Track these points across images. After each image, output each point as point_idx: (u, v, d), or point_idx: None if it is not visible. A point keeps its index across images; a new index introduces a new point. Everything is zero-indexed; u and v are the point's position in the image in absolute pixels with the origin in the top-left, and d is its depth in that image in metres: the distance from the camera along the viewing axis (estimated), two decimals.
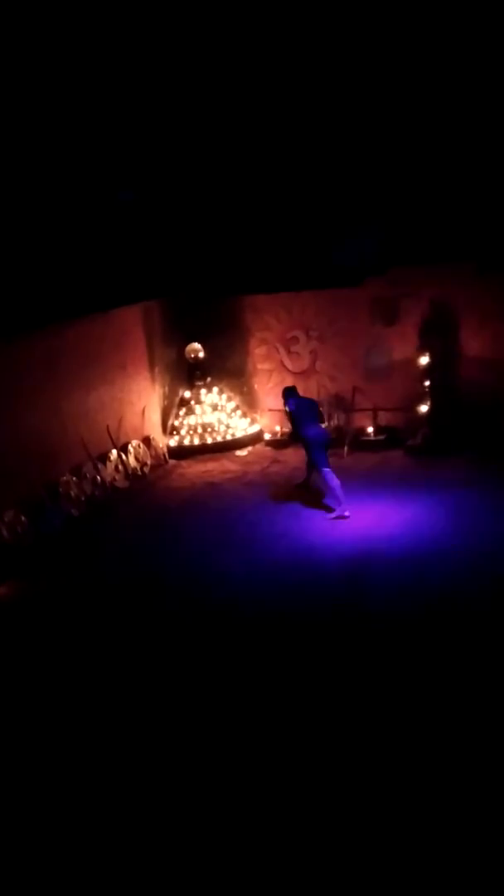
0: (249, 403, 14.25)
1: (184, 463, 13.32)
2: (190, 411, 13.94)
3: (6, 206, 11.79)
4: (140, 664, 7.13)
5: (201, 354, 13.96)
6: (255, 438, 13.91)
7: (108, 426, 12.05)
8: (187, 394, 14.05)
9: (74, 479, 11.07)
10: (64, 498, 10.73)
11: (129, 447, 12.52)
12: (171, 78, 13.80)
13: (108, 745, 6.03)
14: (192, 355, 13.96)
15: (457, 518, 9.62)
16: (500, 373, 12.25)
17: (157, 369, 13.61)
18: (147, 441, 13.08)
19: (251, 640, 7.29)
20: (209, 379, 14.08)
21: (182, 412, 14.00)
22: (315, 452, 10.18)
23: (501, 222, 12.61)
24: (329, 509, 10.14)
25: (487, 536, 9.01)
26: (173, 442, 13.75)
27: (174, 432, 13.87)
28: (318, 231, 13.85)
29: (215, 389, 14.11)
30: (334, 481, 9.95)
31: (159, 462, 13.22)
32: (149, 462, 12.89)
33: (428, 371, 12.57)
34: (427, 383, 12.56)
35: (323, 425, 10.58)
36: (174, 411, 14.02)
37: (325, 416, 11.38)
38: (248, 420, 14.11)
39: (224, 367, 14.17)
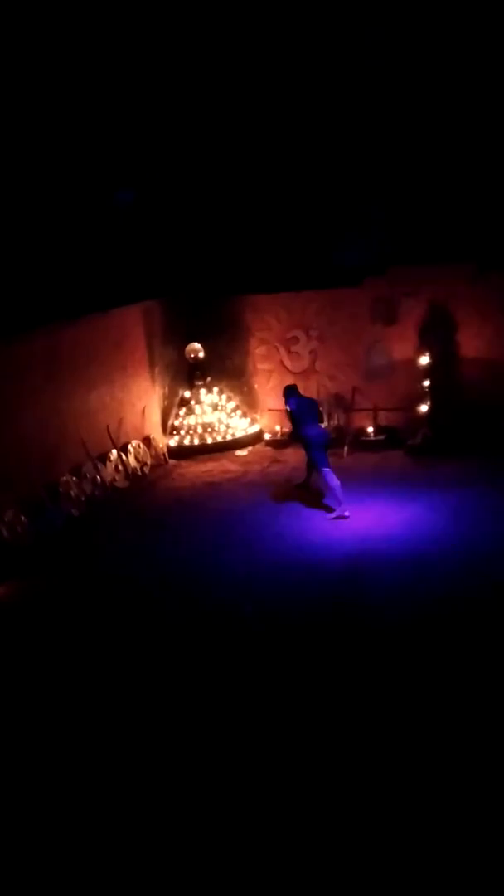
0: (249, 403, 14.24)
1: (184, 463, 13.32)
2: (190, 411, 13.94)
3: (6, 207, 11.80)
4: (140, 664, 7.13)
5: (201, 354, 13.96)
6: (255, 438, 13.91)
7: (108, 426, 12.05)
8: (187, 394, 14.05)
9: (74, 479, 11.07)
10: (64, 498, 10.73)
11: (129, 447, 12.51)
12: (170, 78, 13.80)
13: (108, 744, 6.03)
14: (192, 355, 13.96)
15: (457, 518, 9.62)
16: (499, 373, 12.25)
17: (157, 369, 13.61)
18: (147, 441, 13.08)
19: (251, 640, 7.29)
20: (209, 379, 14.08)
21: (182, 412, 14.00)
22: (315, 452, 10.18)
23: (501, 222, 12.62)
24: (329, 509, 10.14)
25: (487, 536, 9.01)
26: (173, 442, 13.75)
27: (174, 432, 13.87)
28: (319, 231, 13.85)
29: (215, 389, 14.10)
30: (334, 481, 9.95)
31: (159, 462, 13.22)
32: (149, 462, 12.89)
33: (428, 371, 12.57)
34: (427, 383, 12.56)
35: (323, 425, 10.57)
36: (174, 411, 14.01)
37: (325, 416, 11.37)
38: (248, 420, 14.11)
39: (224, 367, 14.17)
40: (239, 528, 10.14)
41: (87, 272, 12.49)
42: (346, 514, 9.90)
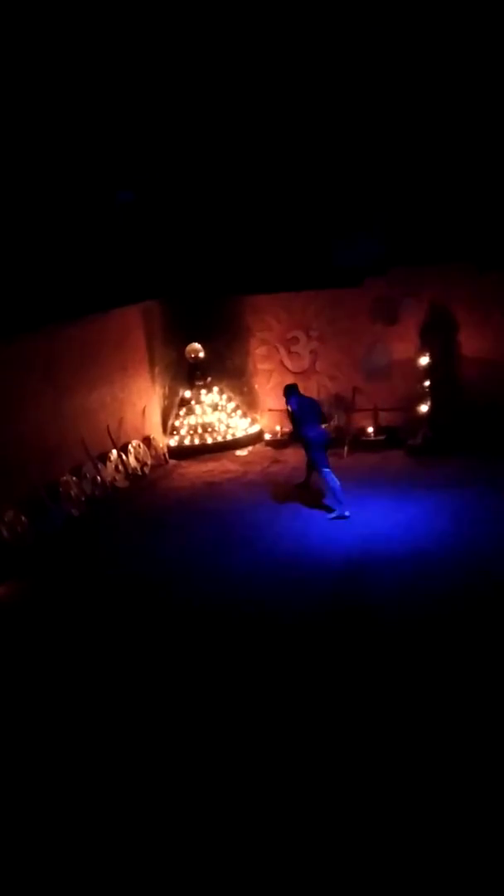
0: (249, 403, 14.24)
1: (184, 463, 13.32)
2: (190, 411, 13.94)
3: (6, 207, 11.80)
4: (140, 664, 7.13)
5: (201, 354, 13.96)
6: (256, 438, 13.91)
7: (108, 426, 12.05)
8: (187, 394, 14.05)
9: (74, 479, 11.07)
10: (64, 498, 10.73)
11: (130, 447, 12.52)
12: (170, 79, 13.80)
13: (108, 744, 6.03)
14: (193, 355, 13.96)
15: (457, 518, 9.62)
16: (499, 373, 12.25)
17: (157, 369, 13.61)
18: (147, 441, 13.08)
19: (251, 640, 7.29)
20: (209, 379, 14.08)
21: (182, 412, 14.00)
22: (315, 453, 10.17)
23: (501, 222, 12.61)
24: (329, 509, 10.14)
25: (487, 536, 9.01)
26: (173, 442, 13.75)
27: (174, 432, 13.88)
28: (319, 231, 13.85)
29: (215, 389, 14.11)
30: (334, 482, 9.95)
31: (159, 462, 13.22)
32: (149, 462, 12.89)
33: (428, 371, 12.57)
34: (427, 383, 12.56)
35: (324, 426, 10.57)
36: (174, 411, 14.02)
37: (326, 417, 11.36)
38: (249, 420, 14.11)
39: (224, 368, 14.17)
40: (239, 527, 10.14)
41: (87, 272, 12.49)
42: (347, 514, 9.90)
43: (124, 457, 12.27)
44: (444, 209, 13.01)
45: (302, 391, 10.96)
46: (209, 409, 13.93)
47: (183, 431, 13.82)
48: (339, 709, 6.12)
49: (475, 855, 4.61)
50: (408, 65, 13.30)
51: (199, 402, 13.98)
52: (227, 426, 13.85)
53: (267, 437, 13.86)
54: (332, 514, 9.99)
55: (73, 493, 10.91)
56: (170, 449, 13.62)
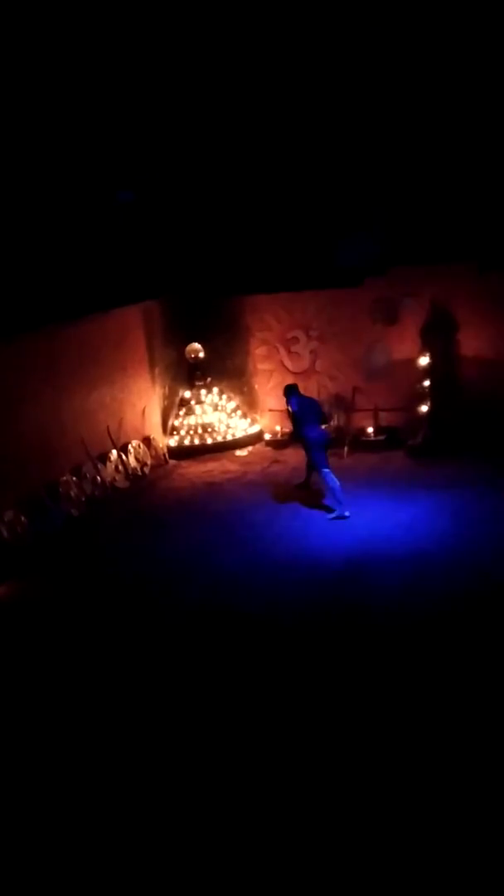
0: (249, 404, 14.24)
1: (184, 463, 13.32)
2: (190, 411, 13.94)
3: (6, 207, 11.79)
4: (140, 664, 7.13)
5: (201, 355, 13.96)
6: (255, 438, 13.91)
7: (108, 426, 12.04)
8: (187, 394, 14.05)
9: (74, 479, 11.06)
10: (64, 498, 10.73)
11: (130, 447, 12.51)
12: (170, 78, 13.79)
13: (108, 744, 6.03)
14: (193, 355, 13.96)
15: (457, 518, 9.61)
16: (499, 373, 12.24)
17: (157, 369, 13.61)
18: (147, 441, 13.08)
19: (251, 641, 7.28)
20: (209, 379, 14.08)
21: (182, 412, 13.99)
22: (315, 453, 10.17)
23: (501, 222, 12.61)
24: (329, 510, 10.14)
25: (487, 536, 9.00)
26: (173, 442, 13.75)
27: (174, 432, 13.87)
28: (319, 231, 13.85)
29: (215, 390, 14.11)
30: (334, 482, 9.95)
31: (159, 462, 13.22)
32: (149, 462, 12.88)
33: (428, 371, 12.56)
34: (427, 383, 12.55)
35: (324, 426, 10.57)
36: (174, 411, 14.01)
37: (326, 417, 11.36)
38: (249, 420, 14.10)
39: (224, 368, 14.17)
40: (239, 527, 10.14)
41: (88, 272, 12.48)
42: (346, 514, 9.90)
43: (124, 457, 12.26)
44: (445, 209, 13.00)
45: (302, 391, 10.96)
46: (209, 410, 13.93)
47: (183, 432, 13.82)
48: (339, 709, 6.12)
49: (475, 855, 4.61)
50: (408, 65, 13.29)
51: (199, 402, 13.98)
52: (227, 426, 13.85)
53: (267, 437, 13.86)
54: (332, 515, 9.99)
55: (72, 493, 10.91)
56: (170, 449, 13.62)
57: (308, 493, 10.89)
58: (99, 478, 11.53)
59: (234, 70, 13.77)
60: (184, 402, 14.05)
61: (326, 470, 10.02)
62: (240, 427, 13.92)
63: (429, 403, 12.51)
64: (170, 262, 14.05)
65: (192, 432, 13.76)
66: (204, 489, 11.95)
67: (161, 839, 5.01)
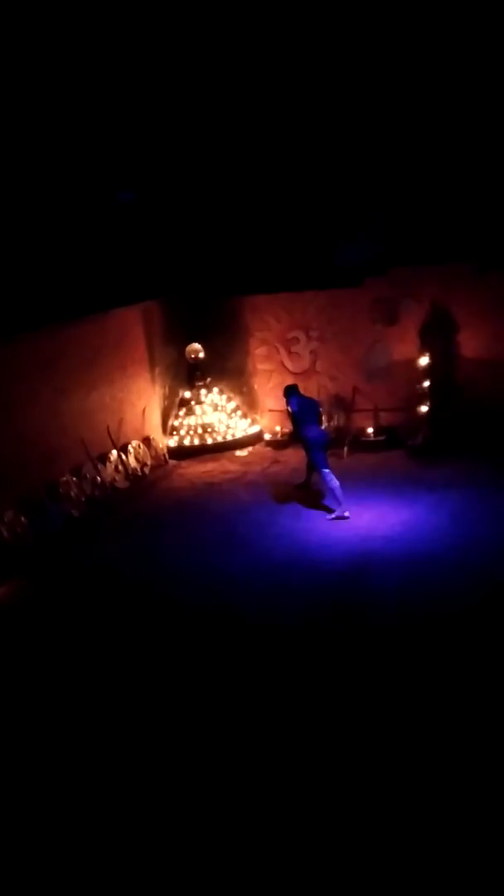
0: (249, 404, 14.24)
1: (184, 463, 13.32)
2: (190, 412, 13.93)
3: (6, 207, 11.79)
4: (140, 665, 7.13)
5: (201, 355, 13.96)
6: (255, 439, 13.91)
7: (108, 426, 12.04)
8: (187, 394, 14.05)
9: (74, 479, 11.06)
10: (64, 498, 10.72)
11: (130, 447, 12.51)
12: (170, 78, 13.80)
13: (108, 745, 6.02)
14: (193, 356, 13.96)
15: (457, 518, 9.61)
16: (499, 373, 12.24)
17: (157, 370, 13.60)
18: (147, 441, 13.07)
19: (251, 641, 7.28)
20: (209, 379, 14.08)
21: (182, 412, 13.99)
22: (314, 453, 10.17)
23: (501, 222, 12.62)
24: (329, 510, 10.14)
25: (488, 536, 9.00)
26: (173, 442, 13.74)
27: (174, 432, 13.87)
28: (319, 231, 13.85)
29: (215, 390, 14.10)
30: (334, 482, 9.94)
31: (159, 462, 13.22)
32: (149, 462, 12.88)
33: (428, 371, 12.57)
34: (427, 383, 12.55)
35: (323, 426, 10.57)
36: (174, 412, 14.01)
37: (326, 417, 11.37)
38: (249, 420, 14.10)
39: (224, 368, 14.17)
40: (239, 528, 10.13)
41: (88, 272, 12.48)
42: (347, 514, 9.89)
43: (124, 457, 12.26)
44: (445, 209, 13.01)
45: (302, 391, 10.96)
46: (209, 410, 13.92)
47: (183, 432, 13.82)
48: (339, 709, 6.12)
49: (475, 855, 4.61)
50: (408, 65, 13.29)
51: (199, 402, 13.98)
52: (227, 426, 13.85)
53: (267, 437, 13.86)
54: (332, 515, 9.99)
55: (72, 493, 10.90)
56: (170, 449, 13.62)
57: (308, 493, 10.89)
58: (99, 478, 11.53)
59: (234, 71, 13.78)
60: (184, 403, 14.05)
61: (326, 470, 10.02)
62: (240, 427, 13.92)
63: (429, 403, 12.51)
64: (170, 262, 14.06)
65: (192, 432, 13.76)
66: (204, 489, 11.94)
67: (161, 839, 5.01)
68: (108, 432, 12.05)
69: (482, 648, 6.73)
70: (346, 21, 13.29)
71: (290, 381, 12.30)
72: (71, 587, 8.98)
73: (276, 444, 13.58)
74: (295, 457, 12.11)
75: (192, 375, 14.04)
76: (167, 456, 13.50)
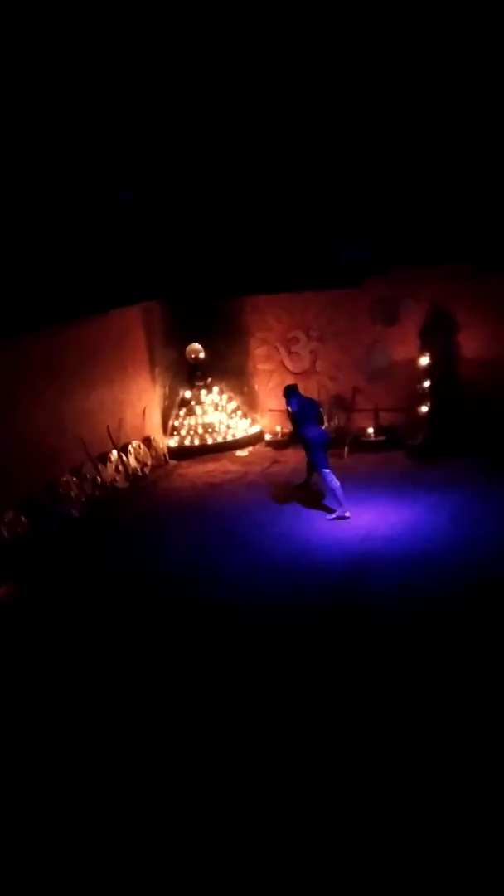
0: (250, 404, 14.24)
1: (184, 463, 13.31)
2: (190, 412, 13.93)
3: (7, 207, 11.80)
4: (140, 665, 7.12)
5: (202, 355, 13.96)
6: (256, 439, 13.90)
7: (108, 426, 12.04)
8: (188, 394, 14.05)
9: (75, 479, 11.06)
10: (64, 498, 10.72)
11: (130, 448, 12.51)
12: (171, 78, 13.80)
13: (107, 745, 6.02)
14: (193, 356, 13.96)
15: (457, 518, 9.61)
16: (499, 373, 12.24)
17: (157, 370, 13.61)
18: (147, 441, 13.07)
19: (251, 641, 7.28)
20: (209, 379, 14.08)
21: (182, 413, 13.99)
22: (315, 453, 10.17)
23: (501, 222, 12.62)
24: (329, 510, 10.13)
25: (487, 536, 9.00)
26: (174, 442, 13.74)
27: (174, 433, 13.87)
28: (319, 231, 13.85)
29: (216, 390, 14.10)
30: (334, 482, 9.94)
31: (160, 462, 13.22)
32: (149, 462, 12.88)
33: (428, 371, 12.56)
34: (427, 383, 12.55)
35: (323, 427, 10.56)
36: (174, 412, 14.01)
37: (326, 417, 11.37)
38: (249, 420, 14.10)
39: (224, 368, 14.17)
40: (239, 528, 10.13)
41: (88, 272, 12.49)
42: (347, 514, 9.89)
43: (124, 457, 12.26)
44: (444, 209, 13.01)
45: (302, 391, 10.96)
46: (209, 410, 13.92)
47: (183, 432, 13.82)
48: (339, 708, 6.11)
49: (475, 855, 4.60)
50: (407, 65, 13.30)
51: (199, 402, 13.98)
52: (228, 427, 13.84)
53: (267, 437, 13.86)
54: (333, 515, 9.99)
55: (73, 493, 10.90)
56: (170, 449, 13.62)
57: (308, 493, 10.89)
58: (99, 478, 11.52)
59: (234, 71, 13.78)
60: (184, 403, 14.05)
61: (326, 470, 10.02)
62: (240, 427, 13.92)
63: (429, 404, 12.50)
64: (170, 262, 14.05)
65: (192, 433, 13.75)
66: (204, 490, 11.94)
67: (160, 838, 5.01)
68: (109, 432, 12.05)
69: (482, 648, 6.73)
70: (346, 22, 13.29)
71: (290, 381, 12.30)
72: (71, 587, 8.98)
73: (276, 445, 13.58)
74: (295, 457, 12.11)
75: (193, 375, 14.03)
76: (167, 456, 13.49)
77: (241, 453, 13.50)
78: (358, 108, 13.73)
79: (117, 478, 11.98)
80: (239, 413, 14.10)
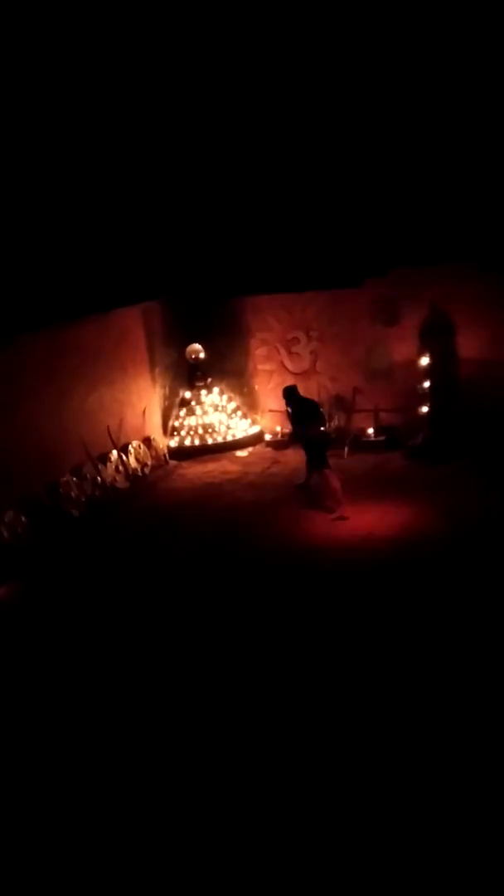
0: (250, 404, 14.24)
1: (184, 464, 13.31)
2: (190, 412, 13.93)
3: (6, 207, 11.80)
4: (140, 665, 7.12)
5: (202, 355, 13.96)
6: (256, 439, 13.90)
7: (108, 427, 12.04)
8: (188, 394, 14.05)
9: (75, 479, 11.06)
10: (64, 498, 10.72)
11: (130, 448, 12.51)
12: (171, 78, 13.81)
13: (107, 745, 6.02)
14: (193, 356, 13.96)
15: (457, 519, 9.60)
16: (499, 374, 12.23)
17: (157, 370, 13.61)
18: (147, 442, 13.07)
19: (251, 641, 7.28)
20: (210, 380, 14.08)
21: (182, 413, 13.99)
22: (315, 454, 10.17)
23: (501, 222, 12.61)
24: (329, 510, 10.13)
25: (487, 537, 8.99)
26: (174, 443, 13.74)
27: (175, 433, 13.87)
28: (319, 231, 13.85)
29: (216, 390, 14.10)
30: (334, 483, 9.94)
31: (160, 463, 13.22)
32: (149, 463, 12.88)
33: (428, 372, 12.56)
34: (427, 384, 12.54)
35: (324, 427, 10.57)
36: (175, 412, 14.01)
37: (327, 418, 11.36)
38: (249, 421, 14.10)
39: (224, 368, 14.17)
40: (239, 528, 10.13)
41: (88, 272, 12.49)
42: (347, 515, 9.88)
43: (124, 457, 12.26)
44: (445, 209, 13.00)
45: (302, 392, 10.97)
46: (209, 410, 13.92)
47: (183, 432, 13.82)
48: (339, 710, 6.11)
49: (475, 855, 4.60)
50: (408, 64, 13.30)
51: (199, 402, 13.98)
52: (228, 427, 13.85)
53: (267, 437, 13.86)
54: (333, 515, 9.98)
55: (73, 493, 10.91)
56: (170, 450, 13.62)
57: (308, 493, 10.88)
58: (99, 478, 11.53)
59: (234, 71, 13.78)
60: (184, 403, 14.05)
61: (327, 470, 10.01)
62: (240, 428, 13.92)
63: (429, 404, 12.50)
64: (170, 262, 14.05)
65: (192, 433, 13.76)
66: (204, 490, 11.94)
67: (160, 838, 5.01)
68: (109, 432, 12.05)
69: (482, 649, 6.72)
70: (346, 22, 13.29)
71: (290, 381, 12.31)
72: (71, 587, 8.98)
73: (276, 445, 13.58)
74: (295, 457, 12.11)
75: (193, 376, 14.03)
76: (167, 456, 13.50)
77: (241, 454, 13.50)
78: (358, 109, 13.73)
79: (117, 478, 11.98)
80: (239, 413, 14.10)
